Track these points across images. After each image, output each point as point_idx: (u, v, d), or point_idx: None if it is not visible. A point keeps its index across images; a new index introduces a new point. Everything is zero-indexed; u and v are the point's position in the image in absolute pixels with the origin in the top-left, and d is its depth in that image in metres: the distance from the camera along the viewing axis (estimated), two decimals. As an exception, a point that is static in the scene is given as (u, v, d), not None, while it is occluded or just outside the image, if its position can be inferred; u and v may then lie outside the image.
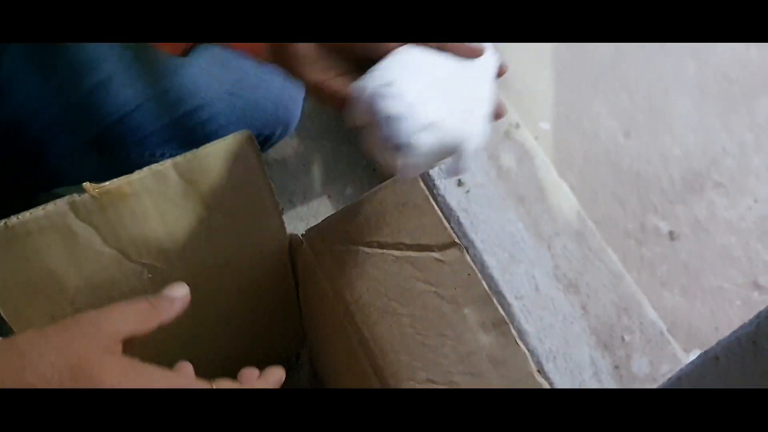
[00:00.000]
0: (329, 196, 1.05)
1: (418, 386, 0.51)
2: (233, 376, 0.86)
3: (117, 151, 0.67)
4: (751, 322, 0.41)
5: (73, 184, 0.67)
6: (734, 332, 0.43)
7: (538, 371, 0.50)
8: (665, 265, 1.06)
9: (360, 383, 0.57)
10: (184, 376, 0.40)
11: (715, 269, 1.06)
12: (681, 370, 0.51)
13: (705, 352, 0.47)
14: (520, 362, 0.50)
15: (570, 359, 0.78)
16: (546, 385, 0.49)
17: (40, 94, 0.62)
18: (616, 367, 0.79)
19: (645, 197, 1.14)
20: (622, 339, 0.81)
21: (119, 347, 0.37)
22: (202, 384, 0.39)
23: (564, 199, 0.92)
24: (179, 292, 0.42)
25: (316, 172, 1.07)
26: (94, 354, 0.34)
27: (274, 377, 0.44)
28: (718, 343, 0.45)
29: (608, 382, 0.77)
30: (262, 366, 0.89)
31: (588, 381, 0.76)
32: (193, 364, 0.72)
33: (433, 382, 0.51)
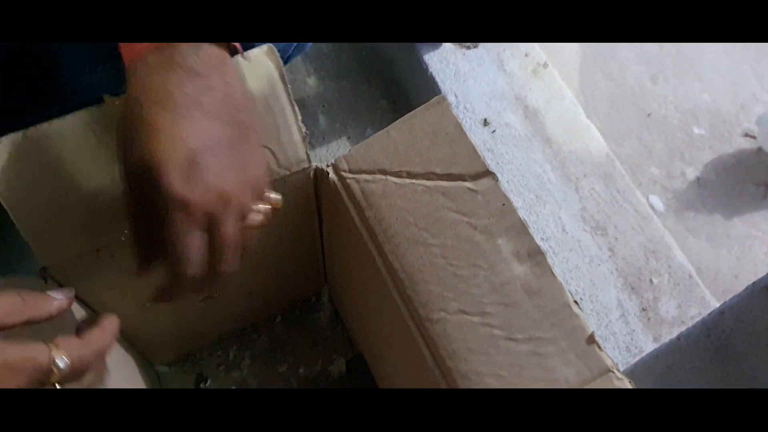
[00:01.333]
0: (349, 138, 1.03)
1: (449, 317, 0.49)
2: (255, 314, 0.86)
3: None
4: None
5: (87, 98, 0.66)
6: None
7: (575, 302, 0.48)
8: (691, 211, 1.03)
9: (389, 316, 0.56)
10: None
11: (743, 217, 1.04)
12: (724, 303, 0.49)
13: (754, 283, 0.45)
14: (556, 292, 0.48)
15: (597, 301, 0.77)
16: (582, 316, 0.48)
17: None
18: (644, 309, 0.77)
19: (672, 143, 1.11)
20: (650, 281, 0.79)
21: None
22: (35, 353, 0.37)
23: (592, 140, 0.89)
24: (60, 295, 0.40)
25: (336, 113, 1.05)
26: None
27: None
28: (766, 275, 0.43)
29: (635, 324, 0.76)
30: (283, 306, 0.89)
31: (615, 323, 0.75)
32: (213, 299, 0.71)
33: (465, 312, 0.49)
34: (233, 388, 0.83)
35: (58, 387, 0.37)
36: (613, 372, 0.46)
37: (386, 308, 0.56)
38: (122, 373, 0.64)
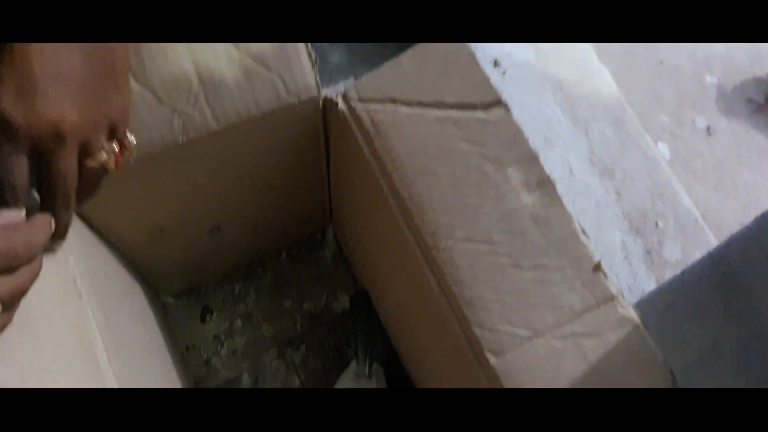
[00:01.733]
0: (355, 77, 1.02)
1: (456, 245, 0.50)
2: (260, 249, 0.86)
3: None
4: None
5: None
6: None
7: (582, 231, 0.48)
8: (699, 159, 1.03)
9: (396, 246, 0.56)
10: None
11: (751, 165, 1.03)
12: (731, 235, 0.49)
13: (762, 214, 0.45)
14: (564, 221, 0.48)
15: (601, 243, 0.77)
16: (589, 245, 0.48)
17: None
18: (648, 252, 0.78)
19: (683, 91, 1.10)
20: (656, 225, 0.79)
21: None
22: None
23: (604, 84, 0.88)
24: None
25: (342, 52, 1.04)
26: None
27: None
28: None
29: (638, 266, 0.77)
30: (288, 243, 0.89)
31: (618, 265, 0.75)
32: (220, 228, 0.72)
33: (471, 240, 0.49)
34: (238, 320, 0.84)
35: None
36: (617, 300, 0.47)
37: (393, 238, 0.56)
38: (130, 300, 0.65)
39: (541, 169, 0.50)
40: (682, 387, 0.47)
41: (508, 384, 0.46)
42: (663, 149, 1.02)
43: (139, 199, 0.59)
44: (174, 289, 0.84)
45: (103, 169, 0.42)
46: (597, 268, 0.47)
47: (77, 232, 0.52)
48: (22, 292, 0.37)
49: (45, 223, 0.39)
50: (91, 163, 0.40)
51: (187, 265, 0.77)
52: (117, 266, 0.63)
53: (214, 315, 0.84)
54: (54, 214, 0.40)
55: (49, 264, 0.45)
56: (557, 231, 0.48)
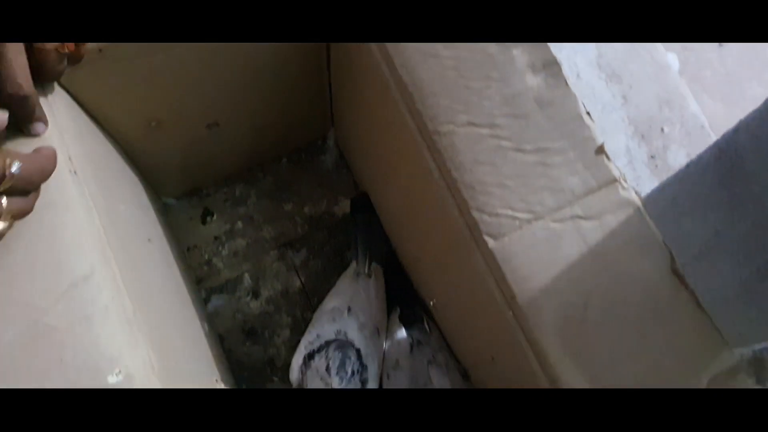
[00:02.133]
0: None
1: (457, 129, 0.49)
2: (261, 154, 0.85)
3: None
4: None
5: None
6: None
7: (587, 113, 0.47)
8: (709, 71, 1.00)
9: (397, 134, 0.55)
10: None
11: (761, 78, 1.01)
12: (740, 120, 0.48)
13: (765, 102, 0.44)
14: (569, 103, 0.47)
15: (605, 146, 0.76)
16: (593, 127, 0.47)
17: None
18: (652, 156, 0.77)
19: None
20: (661, 130, 0.78)
21: None
22: None
23: (615, -16, 0.85)
24: None
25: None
26: None
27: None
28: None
29: (642, 170, 0.76)
30: (289, 148, 0.88)
31: (622, 168, 0.74)
32: (218, 123, 0.71)
33: (474, 125, 0.49)
34: (239, 222, 0.84)
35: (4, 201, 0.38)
36: (619, 182, 0.46)
37: (394, 127, 0.55)
38: (130, 192, 0.64)
39: (547, 50, 0.48)
40: (684, 276, 0.47)
41: (506, 267, 0.46)
42: (672, 59, 0.99)
43: (134, 87, 0.57)
44: (175, 191, 0.84)
45: (59, 54, 0.44)
46: (600, 150, 0.46)
47: (71, 114, 0.51)
48: (28, 211, 0.40)
49: (52, 152, 0.42)
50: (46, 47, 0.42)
51: (187, 163, 0.76)
52: (116, 158, 0.63)
53: (215, 217, 0.84)
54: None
55: (39, 141, 0.44)
56: (561, 113, 0.47)
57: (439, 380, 0.68)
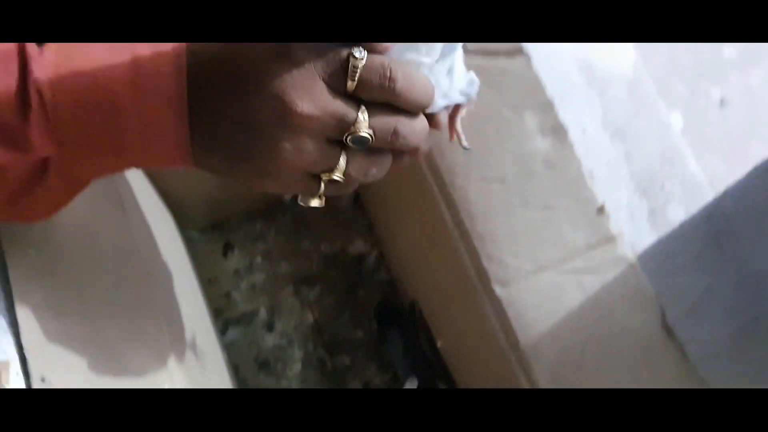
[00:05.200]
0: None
1: (472, 184, 0.53)
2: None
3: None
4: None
5: None
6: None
7: (591, 175, 0.52)
8: (711, 130, 1.05)
9: (414, 184, 0.60)
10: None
11: (763, 139, 1.05)
12: (728, 186, 0.53)
13: (755, 167, 0.48)
14: (573, 165, 0.52)
15: (608, 201, 0.81)
16: (595, 190, 0.52)
17: None
18: (653, 212, 0.81)
19: (700, 62, 1.11)
20: (662, 187, 0.82)
21: None
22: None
23: (622, 48, 0.90)
24: None
25: None
26: None
27: None
28: (770, 156, 0.47)
29: (643, 224, 0.80)
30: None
31: (624, 222, 0.79)
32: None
33: (486, 180, 0.53)
34: (258, 257, 0.89)
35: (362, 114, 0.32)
36: (617, 240, 0.51)
37: (412, 177, 0.60)
38: (162, 225, 0.69)
39: (555, 116, 0.53)
40: (677, 333, 0.51)
41: (511, 313, 0.50)
42: (676, 118, 1.04)
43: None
44: (199, 224, 0.88)
45: None
46: (600, 210, 0.51)
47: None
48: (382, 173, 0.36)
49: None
50: None
51: (214, 199, 0.81)
52: (152, 193, 0.68)
53: (236, 251, 0.89)
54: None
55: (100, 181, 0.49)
56: (566, 174, 0.52)
57: None
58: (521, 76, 0.54)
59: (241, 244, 0.89)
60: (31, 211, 0.36)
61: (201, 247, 0.88)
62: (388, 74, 0.32)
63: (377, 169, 0.35)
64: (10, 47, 0.31)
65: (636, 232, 0.81)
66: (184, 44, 0.32)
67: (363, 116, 0.32)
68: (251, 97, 0.32)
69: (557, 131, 0.53)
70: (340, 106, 0.32)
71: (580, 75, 0.88)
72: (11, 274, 0.39)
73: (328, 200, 0.38)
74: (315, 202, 0.36)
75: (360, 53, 0.32)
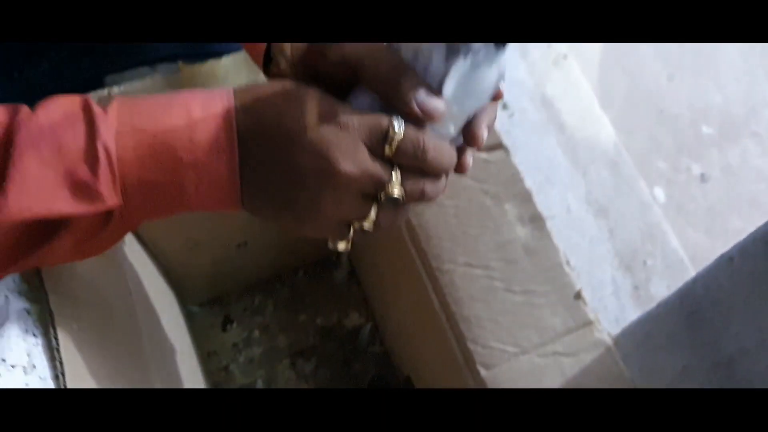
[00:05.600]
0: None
1: (456, 268, 0.57)
2: (280, 266, 0.93)
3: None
4: (766, 223, 0.46)
5: (142, 65, 0.73)
6: (750, 234, 0.48)
7: (567, 263, 0.55)
8: (693, 204, 1.10)
9: (404, 267, 0.63)
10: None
11: (741, 213, 1.10)
12: (698, 272, 0.56)
13: (721, 255, 0.52)
14: (551, 253, 0.56)
15: (593, 277, 0.84)
16: (572, 275, 0.55)
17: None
18: (636, 287, 0.84)
19: (681, 139, 1.17)
20: (644, 263, 0.86)
21: None
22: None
23: (603, 130, 0.96)
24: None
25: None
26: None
27: None
28: (734, 246, 0.50)
29: (626, 300, 0.83)
30: (306, 261, 0.96)
31: (607, 298, 0.82)
32: (247, 243, 0.79)
33: (471, 265, 0.57)
34: (256, 331, 0.91)
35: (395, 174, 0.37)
36: (594, 325, 0.54)
37: (402, 260, 0.64)
38: (163, 303, 0.72)
39: (533, 206, 0.57)
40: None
41: (496, 393, 0.53)
42: (659, 193, 1.09)
43: (184, 215, 0.66)
44: (199, 299, 0.91)
45: None
46: (578, 296, 0.54)
47: (129, 243, 0.60)
48: (432, 197, 0.40)
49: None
50: None
51: (215, 276, 0.84)
52: (155, 273, 0.71)
53: (235, 324, 0.91)
54: None
55: (109, 267, 0.53)
56: (545, 261, 0.55)
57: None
58: (501, 168, 0.58)
59: (239, 318, 0.92)
60: (86, 254, 0.40)
61: (201, 321, 0.91)
62: (421, 145, 0.37)
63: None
64: (75, 109, 0.35)
65: (620, 307, 0.84)
66: (232, 99, 0.37)
67: (396, 178, 0.37)
68: (297, 154, 0.36)
69: (535, 220, 0.56)
70: (377, 169, 0.37)
71: (564, 157, 0.93)
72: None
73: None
74: (342, 246, 0.41)
75: (398, 125, 0.36)
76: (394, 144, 0.37)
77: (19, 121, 0.34)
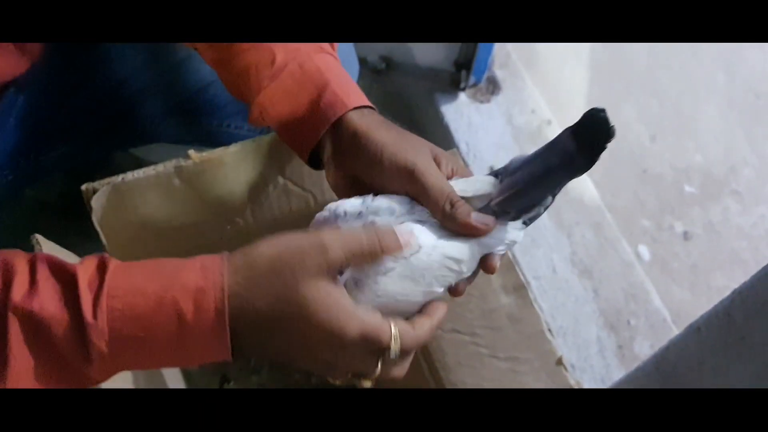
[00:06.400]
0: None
1: (444, 335, 0.60)
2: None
3: (193, 119, 0.77)
4: (727, 297, 0.50)
5: (149, 143, 0.77)
6: (713, 306, 0.51)
7: (548, 330, 0.58)
8: (676, 262, 1.13)
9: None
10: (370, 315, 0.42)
11: (724, 270, 1.13)
12: (670, 340, 0.59)
13: (689, 325, 0.55)
14: (534, 321, 0.59)
15: (579, 336, 0.87)
16: (553, 342, 0.58)
17: (137, 62, 0.72)
18: (620, 346, 0.87)
19: (664, 198, 1.21)
20: (628, 322, 0.89)
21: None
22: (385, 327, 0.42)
23: (587, 192, 1.00)
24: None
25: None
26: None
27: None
28: (700, 317, 0.54)
29: (611, 359, 0.86)
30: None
31: (593, 357, 0.85)
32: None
33: (458, 332, 0.60)
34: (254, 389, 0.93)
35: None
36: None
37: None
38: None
39: (516, 275, 0.61)
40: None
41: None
42: (643, 251, 1.13)
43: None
44: (197, 358, 0.93)
45: None
46: (559, 362, 0.57)
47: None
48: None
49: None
50: None
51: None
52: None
53: (231, 383, 0.93)
54: None
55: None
56: (528, 329, 0.59)
57: None
58: (486, 240, 0.62)
59: (236, 377, 0.94)
60: None
61: (198, 380, 0.93)
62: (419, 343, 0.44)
63: (404, 371, 0.46)
64: (63, 315, 0.38)
65: (605, 366, 0.87)
66: (226, 301, 0.39)
67: (396, 333, 0.42)
68: (303, 330, 0.40)
69: (519, 290, 0.60)
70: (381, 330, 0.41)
71: (549, 219, 0.97)
72: None
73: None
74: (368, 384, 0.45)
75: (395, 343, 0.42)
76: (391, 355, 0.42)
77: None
